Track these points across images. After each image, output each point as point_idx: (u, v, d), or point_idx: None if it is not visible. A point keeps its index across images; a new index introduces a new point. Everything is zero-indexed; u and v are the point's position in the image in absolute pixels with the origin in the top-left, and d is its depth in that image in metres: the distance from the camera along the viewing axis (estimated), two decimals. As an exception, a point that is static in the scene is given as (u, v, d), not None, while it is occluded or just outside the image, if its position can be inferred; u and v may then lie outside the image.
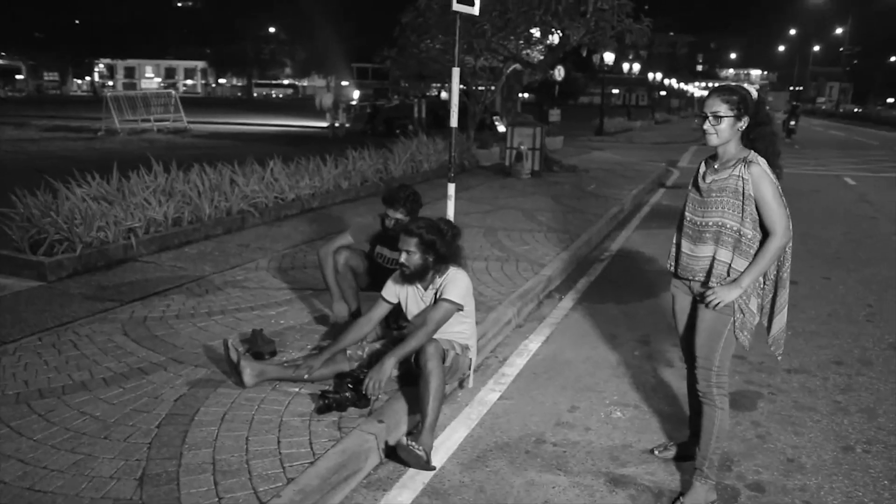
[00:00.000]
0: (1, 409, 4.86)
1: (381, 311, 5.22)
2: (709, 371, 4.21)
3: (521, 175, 16.88)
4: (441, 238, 4.93)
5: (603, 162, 21.68)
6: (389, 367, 4.78)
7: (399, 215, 5.66)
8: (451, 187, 7.43)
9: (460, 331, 5.13)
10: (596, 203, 13.66)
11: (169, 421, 4.78)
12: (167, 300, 6.99)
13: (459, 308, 4.97)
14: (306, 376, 5.15)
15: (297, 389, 5.19)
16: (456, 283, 4.98)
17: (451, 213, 7.32)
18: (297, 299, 7.11)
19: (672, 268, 4.40)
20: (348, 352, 5.22)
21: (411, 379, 5.07)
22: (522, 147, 17.42)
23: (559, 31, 17.29)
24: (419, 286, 5.09)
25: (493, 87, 18.90)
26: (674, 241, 4.40)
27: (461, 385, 5.55)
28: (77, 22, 73.80)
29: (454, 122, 7.38)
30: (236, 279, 7.71)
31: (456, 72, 7.23)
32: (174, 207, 9.43)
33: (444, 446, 4.89)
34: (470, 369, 5.35)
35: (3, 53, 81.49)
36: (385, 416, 4.90)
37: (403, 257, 4.93)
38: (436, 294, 5.03)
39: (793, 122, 34.89)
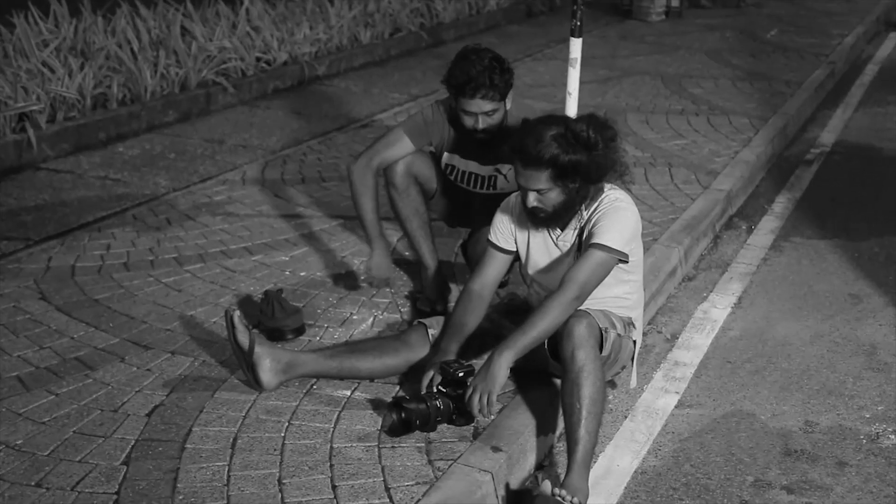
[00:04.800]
0: None
1: (496, 268, 3.33)
2: None
3: (651, 16, 11.08)
4: (589, 152, 3.01)
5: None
6: (504, 371, 2.92)
7: (488, 105, 3.59)
8: (576, 45, 4.40)
9: (622, 296, 3.24)
10: (785, 62, 8.81)
11: (142, 453, 2.87)
12: (104, 237, 4.49)
13: (622, 258, 3.08)
14: (367, 369, 3.24)
15: (347, 393, 3.23)
16: (616, 217, 3.08)
17: (573, 92, 4.49)
18: (323, 233, 4.61)
19: None
20: (430, 332, 3.31)
21: (538, 373, 3.26)
22: None
23: None
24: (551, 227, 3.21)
25: None
26: None
27: (612, 383, 3.61)
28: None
29: None
30: (213, 199, 5.05)
31: None
32: (94, 77, 6.18)
33: (602, 488, 3.02)
34: (633, 359, 3.43)
35: None
36: (502, 440, 3.00)
37: (532, 199, 3.02)
38: (581, 235, 3.14)
39: None
